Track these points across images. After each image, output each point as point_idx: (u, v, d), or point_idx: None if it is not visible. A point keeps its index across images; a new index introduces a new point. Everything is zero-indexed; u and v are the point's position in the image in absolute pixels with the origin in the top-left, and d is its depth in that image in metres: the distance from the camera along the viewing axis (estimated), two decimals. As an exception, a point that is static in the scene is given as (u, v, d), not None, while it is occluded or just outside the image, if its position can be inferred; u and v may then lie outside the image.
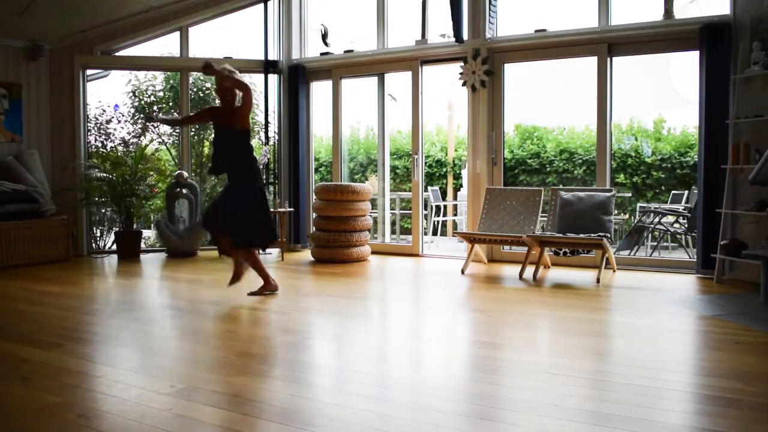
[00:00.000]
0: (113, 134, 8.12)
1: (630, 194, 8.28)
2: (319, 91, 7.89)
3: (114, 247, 7.52)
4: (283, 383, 2.78)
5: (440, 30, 7.46)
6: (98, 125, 8.02)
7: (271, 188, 7.55)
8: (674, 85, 7.90)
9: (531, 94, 8.70)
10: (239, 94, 4.62)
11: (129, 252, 7.17)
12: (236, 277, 4.68)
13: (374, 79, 7.50)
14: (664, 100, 8.61)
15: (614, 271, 5.80)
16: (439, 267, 6.38)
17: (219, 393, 2.58)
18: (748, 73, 5.12)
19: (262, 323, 3.99)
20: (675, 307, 4.30)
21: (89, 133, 7.81)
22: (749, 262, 4.95)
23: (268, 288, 4.77)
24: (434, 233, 8.88)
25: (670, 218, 7.09)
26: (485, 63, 6.50)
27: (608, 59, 6.05)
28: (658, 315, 4.09)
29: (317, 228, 6.86)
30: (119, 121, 8.14)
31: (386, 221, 7.89)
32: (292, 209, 7.46)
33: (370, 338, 3.69)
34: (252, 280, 4.84)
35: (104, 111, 8.10)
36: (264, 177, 7.54)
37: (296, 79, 7.57)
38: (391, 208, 8.45)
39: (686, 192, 7.82)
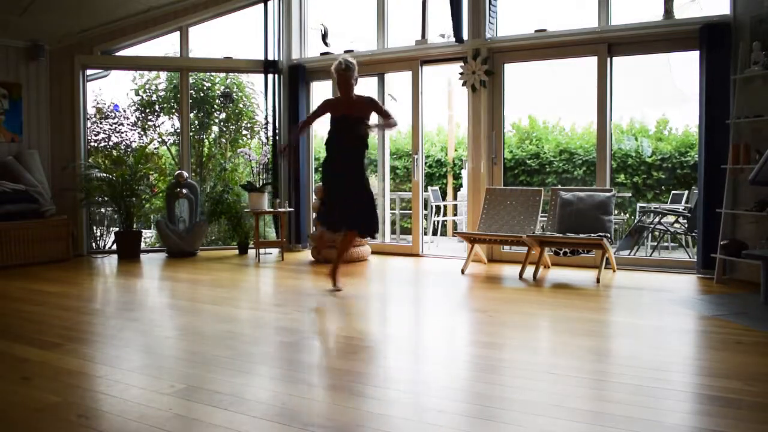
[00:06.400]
0: (119, 133, 8.10)
1: (630, 194, 8.28)
2: (319, 91, 7.88)
3: (114, 247, 7.52)
4: (283, 383, 2.78)
5: (440, 30, 7.46)
6: (112, 125, 8.01)
7: (271, 188, 7.54)
8: (676, 82, 7.89)
9: (531, 94, 8.70)
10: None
11: (129, 252, 7.17)
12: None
13: (374, 79, 7.50)
14: (665, 99, 8.62)
15: (614, 271, 5.80)
16: (439, 267, 6.37)
17: (219, 393, 2.58)
18: (748, 73, 5.12)
19: (261, 323, 3.99)
20: (675, 307, 4.30)
21: (99, 132, 7.81)
22: (749, 262, 4.95)
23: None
24: (434, 233, 8.87)
25: (670, 218, 7.09)
26: (485, 63, 6.50)
27: (608, 59, 6.04)
28: (659, 315, 4.09)
29: (317, 228, 6.87)
30: (121, 122, 8.12)
31: (386, 221, 7.89)
32: (292, 209, 7.45)
33: (369, 338, 3.68)
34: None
35: (102, 109, 8.08)
36: (264, 177, 7.54)
37: (296, 79, 7.57)
38: (391, 208, 8.45)
39: (686, 192, 7.82)
